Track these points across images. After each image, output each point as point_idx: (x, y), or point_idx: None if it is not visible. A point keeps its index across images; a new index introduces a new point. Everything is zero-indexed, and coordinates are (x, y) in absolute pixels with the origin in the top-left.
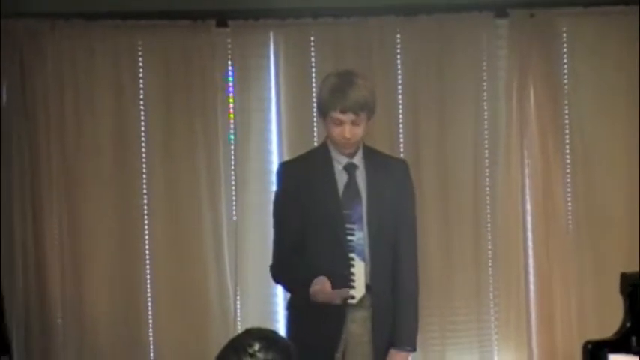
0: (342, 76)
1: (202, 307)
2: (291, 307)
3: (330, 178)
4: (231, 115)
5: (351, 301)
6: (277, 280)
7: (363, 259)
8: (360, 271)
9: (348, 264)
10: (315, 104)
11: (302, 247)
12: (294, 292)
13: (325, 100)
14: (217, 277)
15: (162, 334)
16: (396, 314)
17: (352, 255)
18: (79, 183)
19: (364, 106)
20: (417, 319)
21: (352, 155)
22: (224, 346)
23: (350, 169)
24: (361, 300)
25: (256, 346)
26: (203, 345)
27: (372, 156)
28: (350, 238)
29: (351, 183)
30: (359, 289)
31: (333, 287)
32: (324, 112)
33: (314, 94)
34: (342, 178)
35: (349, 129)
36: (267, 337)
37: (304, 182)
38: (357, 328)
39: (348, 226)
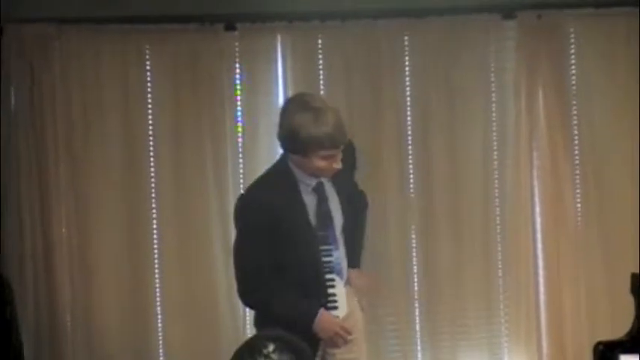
0: (316, 110)
1: (212, 313)
2: (259, 325)
3: (299, 203)
4: (239, 119)
5: None
6: (258, 306)
7: (343, 278)
8: (340, 290)
9: (328, 285)
10: None
11: (281, 274)
12: (289, 320)
13: (316, 140)
14: (227, 283)
15: (172, 340)
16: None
17: (331, 276)
18: (87, 189)
19: None
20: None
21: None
22: (238, 348)
23: (319, 189)
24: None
25: (271, 347)
26: (213, 351)
27: None
28: (327, 259)
29: (322, 203)
30: (341, 309)
31: (311, 309)
32: (312, 149)
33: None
34: (310, 200)
35: (339, 158)
36: (281, 338)
37: (272, 212)
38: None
39: (324, 247)
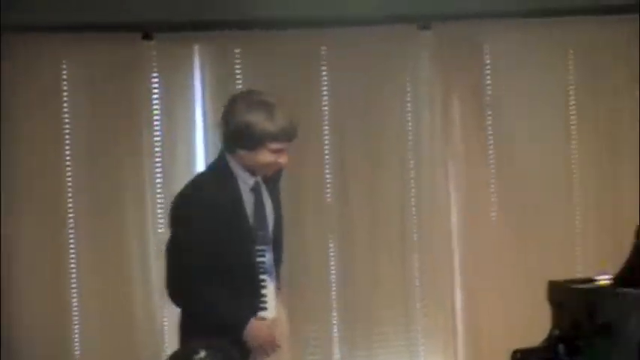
0: (270, 105)
1: (129, 321)
2: (187, 330)
3: (239, 201)
4: (157, 128)
5: None
6: (189, 308)
7: (273, 280)
8: (271, 292)
9: (261, 286)
10: None
11: (216, 274)
12: (219, 326)
13: (271, 134)
14: (144, 290)
15: (89, 348)
16: None
17: (264, 277)
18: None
19: None
20: None
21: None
22: (170, 356)
23: (257, 189)
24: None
25: (202, 354)
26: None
27: None
28: (262, 259)
29: (259, 203)
30: (271, 310)
31: (244, 311)
32: (264, 142)
33: None
34: (249, 199)
35: (286, 154)
36: (213, 346)
37: (212, 209)
38: None
39: (259, 247)
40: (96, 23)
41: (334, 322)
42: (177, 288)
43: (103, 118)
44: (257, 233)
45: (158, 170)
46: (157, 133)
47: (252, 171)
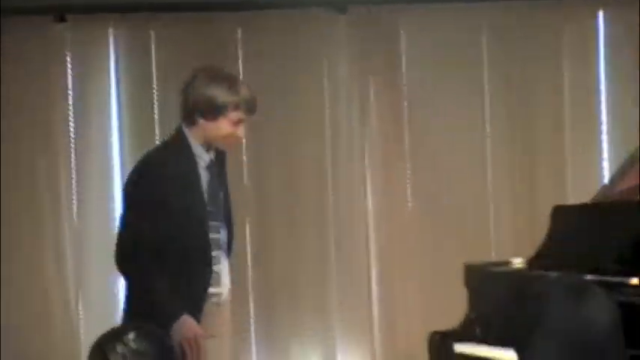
0: (232, 77)
1: (45, 316)
2: (129, 308)
3: (196, 175)
4: (71, 112)
5: (215, 299)
6: (132, 281)
7: (228, 256)
8: (224, 268)
9: (212, 261)
10: (157, 100)
11: (166, 248)
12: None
13: (233, 103)
14: (59, 280)
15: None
16: None
17: (218, 252)
18: None
19: None
20: None
21: (210, 150)
22: (100, 336)
23: (212, 167)
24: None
25: (131, 335)
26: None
27: None
28: (215, 235)
29: (213, 180)
30: (224, 287)
31: (197, 285)
32: (226, 112)
33: (155, 90)
34: (205, 175)
35: (242, 128)
36: (143, 328)
37: (168, 182)
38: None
39: (213, 223)
40: (6, 5)
41: (251, 308)
42: (127, 262)
43: (14, 103)
44: (211, 210)
45: (72, 157)
46: (71, 115)
47: (208, 145)
